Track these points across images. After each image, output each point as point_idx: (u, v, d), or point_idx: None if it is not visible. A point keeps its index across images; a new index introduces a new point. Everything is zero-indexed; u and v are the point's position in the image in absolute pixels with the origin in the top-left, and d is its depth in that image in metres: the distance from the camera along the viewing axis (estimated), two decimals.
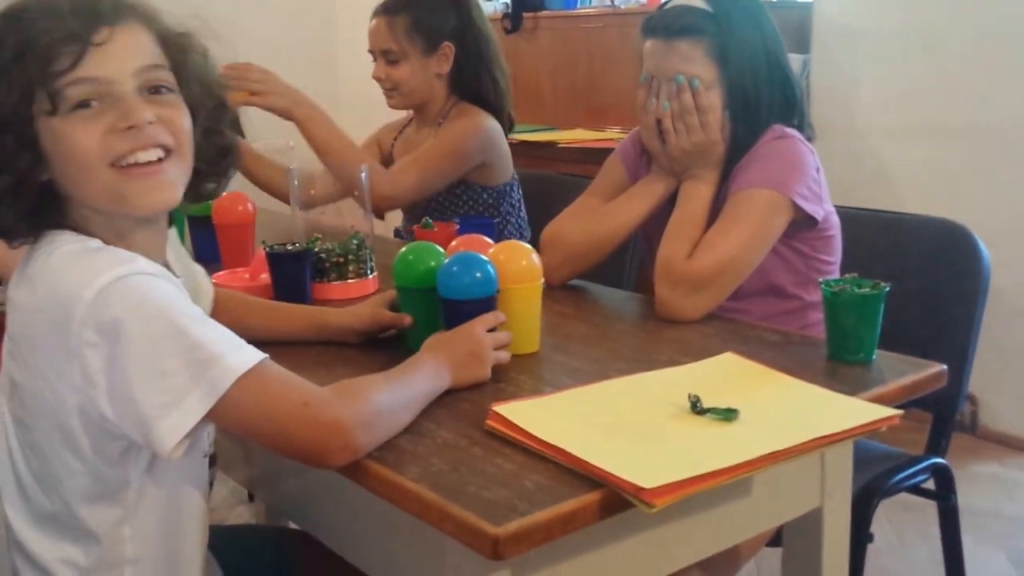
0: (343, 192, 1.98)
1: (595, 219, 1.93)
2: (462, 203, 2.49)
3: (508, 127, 2.57)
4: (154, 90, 1.20)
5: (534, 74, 4.04)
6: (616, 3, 3.86)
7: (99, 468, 1.17)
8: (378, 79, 2.52)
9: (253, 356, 1.13)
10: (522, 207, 2.61)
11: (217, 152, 1.32)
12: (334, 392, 1.18)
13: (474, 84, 2.51)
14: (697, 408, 1.28)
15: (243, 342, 1.15)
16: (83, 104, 1.15)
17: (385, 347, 1.57)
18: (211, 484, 1.35)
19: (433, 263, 1.53)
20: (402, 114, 2.70)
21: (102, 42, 1.15)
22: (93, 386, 1.10)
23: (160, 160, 1.20)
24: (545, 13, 4.01)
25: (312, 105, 2.30)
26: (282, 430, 1.14)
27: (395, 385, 1.27)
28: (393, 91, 2.52)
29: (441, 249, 1.56)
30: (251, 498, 2.95)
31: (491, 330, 1.44)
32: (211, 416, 1.10)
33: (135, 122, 1.16)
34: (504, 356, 1.44)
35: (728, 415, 1.26)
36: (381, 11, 2.50)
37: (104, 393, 1.10)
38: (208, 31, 1.28)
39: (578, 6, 4.08)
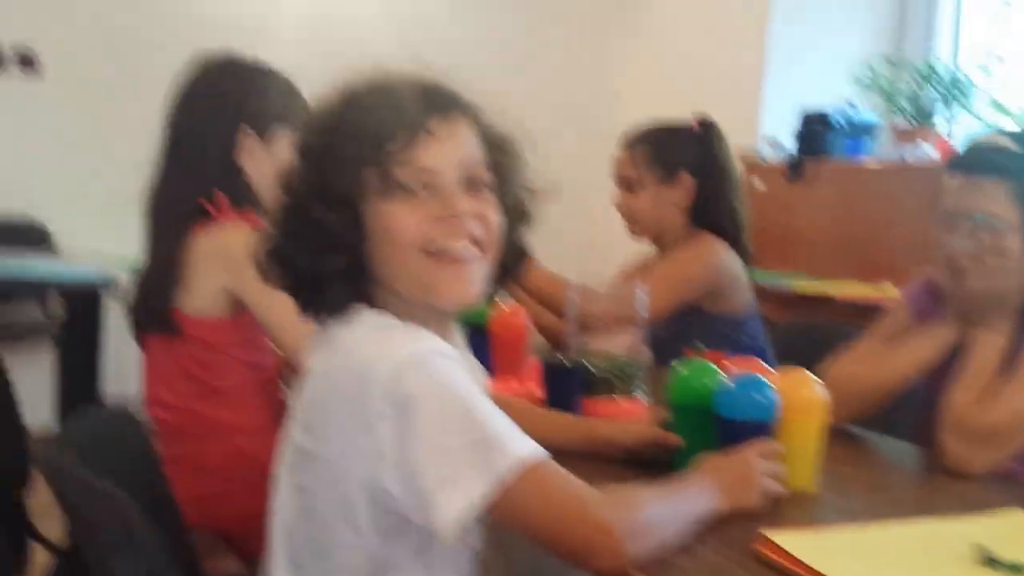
0: (621, 315, 2.00)
1: (878, 363, 1.86)
2: (696, 331, 2.44)
3: (745, 260, 2.55)
4: (472, 185, 1.25)
5: (812, 224, 3.99)
6: (903, 156, 3.78)
7: (372, 544, 1.19)
8: (618, 207, 2.57)
9: (535, 448, 1.15)
10: (764, 340, 2.56)
11: (512, 257, 1.35)
12: (610, 497, 1.18)
13: (712, 215, 2.51)
14: (985, 559, 1.20)
15: (523, 434, 1.17)
16: (407, 188, 1.21)
17: (649, 465, 1.55)
18: None
19: (708, 382, 1.51)
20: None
21: (435, 132, 1.22)
22: (382, 459, 1.13)
23: (470, 255, 1.24)
24: (829, 162, 3.96)
25: None
26: (555, 526, 1.15)
27: (666, 499, 1.26)
28: (630, 219, 2.56)
29: (717, 368, 1.55)
30: None
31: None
32: (489, 501, 1.11)
33: (456, 212, 1.22)
34: (777, 487, 1.40)
35: (1015, 571, 1.18)
36: (624, 143, 2.57)
37: (391, 466, 1.13)
38: (525, 138, 1.33)
39: (862, 157, 4.01)
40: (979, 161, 1.76)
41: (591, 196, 3.48)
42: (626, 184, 2.55)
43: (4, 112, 4.32)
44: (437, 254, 1.22)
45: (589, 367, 1.86)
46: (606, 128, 2.76)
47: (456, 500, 1.11)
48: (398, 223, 1.21)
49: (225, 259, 1.88)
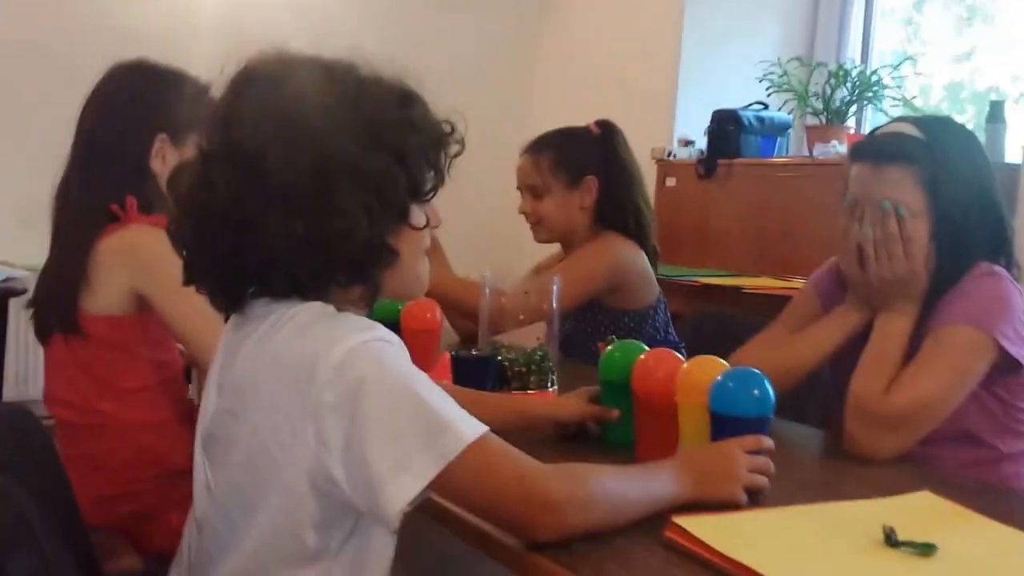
0: (532, 309, 2.00)
1: (783, 349, 1.87)
2: (602, 326, 2.49)
3: (653, 258, 2.60)
4: None
5: (724, 220, 4.04)
6: (814, 153, 3.84)
7: (303, 533, 1.15)
8: (524, 213, 2.61)
9: (479, 426, 1.15)
10: (670, 330, 2.61)
11: None
12: (556, 470, 1.19)
13: (616, 216, 2.55)
14: (891, 540, 1.21)
15: (467, 414, 1.16)
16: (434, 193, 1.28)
17: (583, 442, 1.62)
18: None
19: (635, 359, 1.58)
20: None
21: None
22: (327, 448, 1.11)
23: None
24: (740, 160, 4.01)
25: None
26: (496, 502, 1.16)
27: (623, 478, 1.27)
28: (538, 224, 2.59)
29: (646, 347, 1.61)
30: None
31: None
32: (435, 482, 1.11)
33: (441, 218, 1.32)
34: (762, 480, 1.37)
35: (925, 550, 1.20)
36: (527, 150, 2.61)
37: (338, 456, 1.11)
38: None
39: (774, 155, 4.07)
40: (883, 148, 1.78)
41: (500, 202, 3.49)
42: (532, 191, 2.58)
43: None
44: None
45: (501, 360, 1.85)
46: (520, 135, 2.77)
47: (405, 485, 1.09)
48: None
49: (133, 260, 1.86)
